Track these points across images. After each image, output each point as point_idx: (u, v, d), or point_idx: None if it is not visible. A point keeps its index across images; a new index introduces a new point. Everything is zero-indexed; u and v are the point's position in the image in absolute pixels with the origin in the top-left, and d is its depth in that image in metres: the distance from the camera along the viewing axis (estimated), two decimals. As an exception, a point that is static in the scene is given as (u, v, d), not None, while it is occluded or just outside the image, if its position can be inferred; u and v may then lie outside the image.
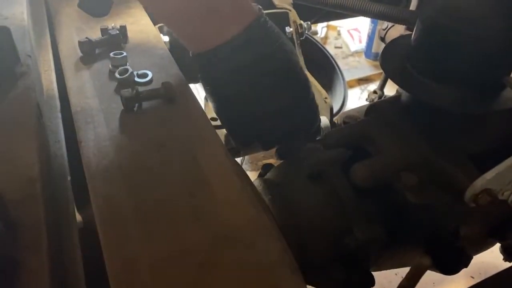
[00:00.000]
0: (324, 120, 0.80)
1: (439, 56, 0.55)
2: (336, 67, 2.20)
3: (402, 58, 0.59)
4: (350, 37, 2.41)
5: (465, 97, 0.55)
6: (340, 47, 2.41)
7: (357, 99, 2.12)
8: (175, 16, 0.50)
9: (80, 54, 0.65)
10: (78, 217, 0.54)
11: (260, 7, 0.54)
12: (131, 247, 0.40)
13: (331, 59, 2.23)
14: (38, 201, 0.33)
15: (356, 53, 2.36)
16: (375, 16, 0.85)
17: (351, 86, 2.17)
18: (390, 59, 0.60)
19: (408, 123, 0.62)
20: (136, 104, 0.55)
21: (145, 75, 0.61)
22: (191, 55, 0.55)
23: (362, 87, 2.20)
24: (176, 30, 0.53)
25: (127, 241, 0.40)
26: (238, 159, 0.97)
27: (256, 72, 0.52)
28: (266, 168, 0.72)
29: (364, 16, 0.87)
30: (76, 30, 0.71)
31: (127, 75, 0.59)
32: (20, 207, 0.32)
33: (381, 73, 1.61)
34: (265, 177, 0.66)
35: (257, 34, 0.51)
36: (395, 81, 0.57)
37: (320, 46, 2.06)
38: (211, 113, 0.60)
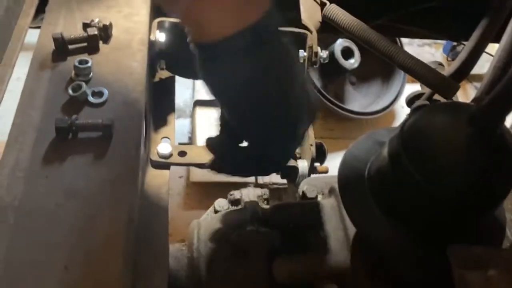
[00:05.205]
0: (303, 166, 0.74)
1: (391, 194, 0.48)
2: (403, 56, 2.01)
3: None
4: (434, 23, 2.16)
5: (411, 242, 0.49)
6: (419, 32, 2.17)
7: (413, 97, 1.95)
8: None
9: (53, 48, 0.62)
10: None
11: None
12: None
13: (398, 42, 2.03)
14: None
15: (435, 43, 2.12)
16: (399, 66, 0.75)
17: (412, 81, 1.98)
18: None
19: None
20: (71, 134, 0.53)
21: (100, 94, 0.58)
22: (193, 47, 0.45)
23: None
24: (184, 13, 0.43)
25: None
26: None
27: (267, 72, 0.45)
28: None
29: (389, 61, 0.77)
30: (65, 10, 0.67)
31: (79, 93, 0.56)
32: None
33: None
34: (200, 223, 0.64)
35: (271, 26, 0.43)
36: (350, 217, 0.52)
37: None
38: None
